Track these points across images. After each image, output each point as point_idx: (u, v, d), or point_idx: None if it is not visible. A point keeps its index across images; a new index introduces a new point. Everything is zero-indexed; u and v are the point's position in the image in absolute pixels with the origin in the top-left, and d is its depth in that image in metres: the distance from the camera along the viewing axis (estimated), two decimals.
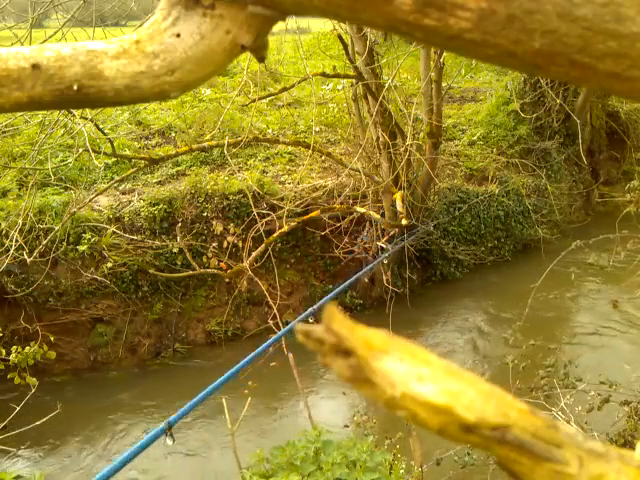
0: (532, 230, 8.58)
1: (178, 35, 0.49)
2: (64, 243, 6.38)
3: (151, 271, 6.60)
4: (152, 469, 5.36)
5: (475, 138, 9.26)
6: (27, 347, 4.01)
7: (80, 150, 5.89)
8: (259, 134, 8.00)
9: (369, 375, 0.38)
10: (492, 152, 9.00)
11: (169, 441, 1.84)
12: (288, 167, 8.02)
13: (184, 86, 0.51)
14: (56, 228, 5.92)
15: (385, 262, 6.62)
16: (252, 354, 2.61)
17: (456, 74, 9.54)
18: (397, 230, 6.83)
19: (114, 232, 6.59)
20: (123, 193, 7.28)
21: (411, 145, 6.75)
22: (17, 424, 3.96)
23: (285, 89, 6.76)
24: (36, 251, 5.72)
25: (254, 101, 6.21)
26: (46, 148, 6.01)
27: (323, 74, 6.69)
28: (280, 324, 4.41)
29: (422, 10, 0.42)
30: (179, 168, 7.73)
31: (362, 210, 6.76)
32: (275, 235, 6.19)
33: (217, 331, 6.97)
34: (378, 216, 6.83)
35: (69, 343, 6.67)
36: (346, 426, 4.70)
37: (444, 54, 6.47)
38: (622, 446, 3.75)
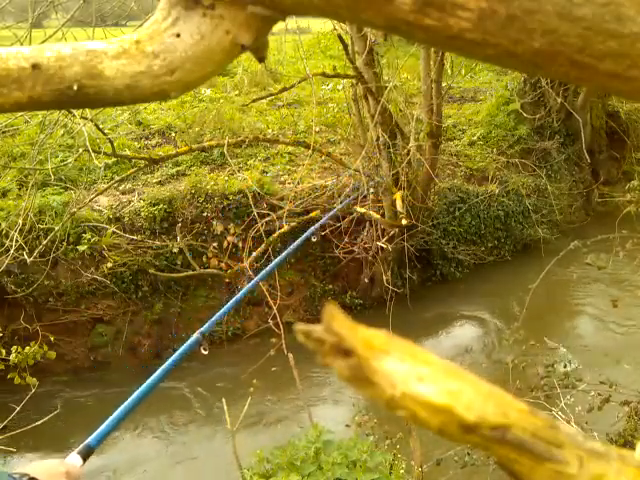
0: (532, 230, 8.57)
1: (178, 35, 0.49)
2: (64, 243, 6.38)
3: (151, 271, 6.60)
4: (152, 469, 5.36)
5: (475, 138, 9.26)
6: (27, 347, 4.01)
7: (80, 150, 5.89)
8: (259, 134, 8.00)
9: (369, 375, 0.38)
10: (492, 152, 9.00)
11: (204, 351, 2.02)
12: (288, 167, 8.01)
13: (184, 86, 0.51)
14: (56, 228, 5.91)
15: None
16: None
17: (456, 74, 9.53)
18: (397, 230, 6.83)
19: (114, 232, 6.58)
20: (123, 193, 7.28)
21: (410, 145, 6.75)
22: (17, 424, 3.96)
23: (285, 89, 6.75)
24: (36, 251, 5.72)
25: (254, 101, 6.21)
26: (46, 148, 6.01)
27: (323, 74, 6.69)
28: (280, 324, 4.41)
29: (422, 10, 0.42)
30: (179, 168, 7.73)
31: (362, 210, 6.75)
32: (276, 235, 6.19)
33: (217, 331, 6.97)
34: (378, 216, 6.83)
35: (69, 343, 6.66)
36: (347, 426, 4.70)
37: (444, 54, 6.47)
38: (622, 446, 3.75)
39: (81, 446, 1.45)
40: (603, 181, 10.20)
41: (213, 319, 2.29)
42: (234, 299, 2.57)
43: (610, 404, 4.03)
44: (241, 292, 2.67)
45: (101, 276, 6.47)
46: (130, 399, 1.73)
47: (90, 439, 1.50)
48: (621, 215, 4.59)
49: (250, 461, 3.04)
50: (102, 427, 1.56)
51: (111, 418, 1.61)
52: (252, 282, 2.78)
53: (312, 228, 3.63)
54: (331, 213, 4.78)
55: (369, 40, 6.10)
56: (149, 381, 1.83)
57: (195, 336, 2.05)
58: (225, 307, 2.49)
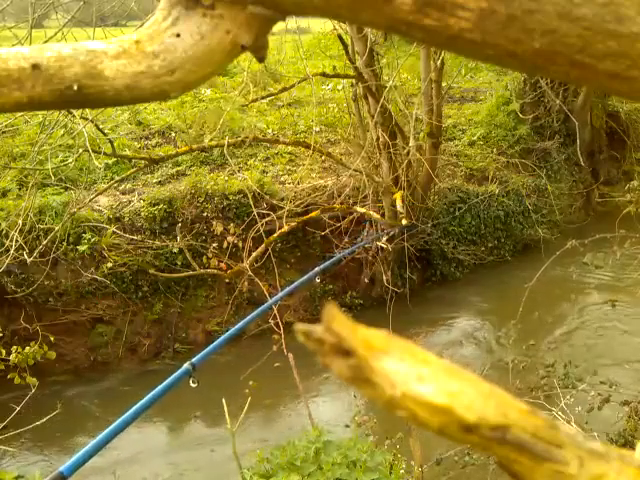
0: (532, 230, 8.57)
1: (178, 35, 0.49)
2: (64, 243, 6.38)
3: (151, 271, 6.60)
4: (151, 470, 5.36)
5: (475, 138, 9.26)
6: (27, 347, 4.01)
7: (80, 150, 5.89)
8: (259, 134, 8.00)
9: (369, 375, 0.38)
10: (492, 152, 9.00)
11: (193, 384, 1.88)
12: (288, 167, 8.01)
13: (184, 86, 0.51)
14: (56, 228, 5.91)
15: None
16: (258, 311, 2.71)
17: (456, 74, 9.52)
18: (397, 230, 6.84)
19: (114, 232, 6.58)
20: (123, 193, 7.28)
21: (411, 145, 6.75)
22: (17, 424, 3.96)
23: (285, 89, 6.76)
24: (36, 251, 5.72)
25: (254, 101, 6.21)
26: (46, 148, 6.00)
27: (323, 74, 6.70)
28: (280, 324, 4.42)
29: (422, 10, 0.42)
30: (179, 168, 7.73)
31: (362, 210, 6.76)
32: (275, 235, 6.19)
33: (217, 331, 6.97)
34: (378, 216, 6.83)
35: (69, 343, 6.66)
36: (347, 426, 4.70)
37: (444, 54, 6.47)
38: (622, 446, 3.75)
39: (53, 474, 1.37)
40: (603, 181, 10.20)
41: (206, 351, 2.16)
42: (229, 332, 2.49)
43: (610, 404, 4.03)
44: (239, 324, 2.59)
45: (101, 276, 6.47)
46: (108, 429, 1.64)
47: (63, 467, 1.42)
48: (621, 215, 4.59)
49: (250, 461, 3.03)
50: (77, 456, 1.48)
51: (87, 447, 1.53)
52: (252, 315, 2.73)
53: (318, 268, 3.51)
54: (348, 250, 4.70)
55: (369, 40, 6.11)
56: (129, 412, 1.74)
57: (185, 367, 1.92)
58: (219, 340, 2.38)
